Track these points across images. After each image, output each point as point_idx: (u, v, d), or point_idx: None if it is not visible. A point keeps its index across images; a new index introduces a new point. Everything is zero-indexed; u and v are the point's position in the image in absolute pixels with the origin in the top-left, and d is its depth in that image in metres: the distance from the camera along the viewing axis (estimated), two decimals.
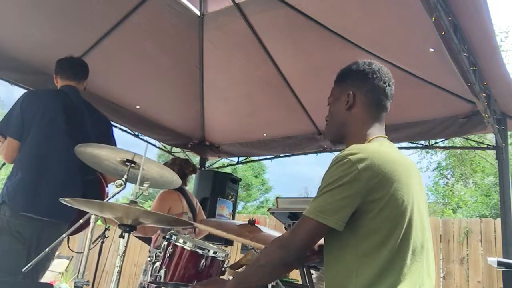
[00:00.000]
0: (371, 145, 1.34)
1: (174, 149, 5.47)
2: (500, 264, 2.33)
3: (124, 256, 1.67)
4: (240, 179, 5.21)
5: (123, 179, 1.82)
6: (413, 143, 4.44)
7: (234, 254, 5.40)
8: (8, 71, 3.44)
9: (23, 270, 1.85)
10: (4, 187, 2.30)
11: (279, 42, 3.63)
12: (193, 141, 5.16)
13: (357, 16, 2.99)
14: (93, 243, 1.98)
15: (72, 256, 6.57)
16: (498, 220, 4.03)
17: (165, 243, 1.91)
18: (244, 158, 5.49)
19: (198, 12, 3.60)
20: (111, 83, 3.96)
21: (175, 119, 4.85)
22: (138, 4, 3.30)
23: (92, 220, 1.91)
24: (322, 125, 4.38)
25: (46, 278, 2.50)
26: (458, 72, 2.64)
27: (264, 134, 4.80)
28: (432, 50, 2.75)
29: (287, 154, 5.04)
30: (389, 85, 1.44)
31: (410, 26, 2.84)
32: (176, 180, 2.01)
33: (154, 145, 5.20)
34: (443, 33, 2.32)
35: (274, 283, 1.71)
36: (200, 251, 1.84)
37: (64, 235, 1.94)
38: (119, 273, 1.63)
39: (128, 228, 1.68)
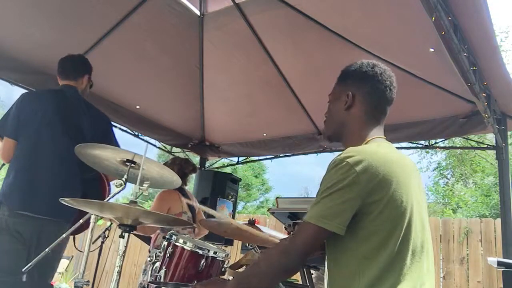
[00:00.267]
0: (368, 147, 1.34)
1: (174, 149, 5.47)
2: (500, 264, 2.33)
3: (124, 256, 1.67)
4: (240, 179, 5.21)
5: (123, 179, 1.82)
6: (413, 143, 4.44)
7: (234, 254, 5.39)
8: (8, 71, 3.44)
9: (23, 270, 1.85)
10: (2, 187, 2.31)
11: (279, 42, 3.63)
12: (193, 141, 5.16)
13: (357, 16, 2.99)
14: (93, 243, 1.98)
15: (72, 256, 6.58)
16: (498, 220, 4.03)
17: (165, 243, 1.91)
18: (244, 158, 5.49)
19: (198, 12, 3.60)
20: (111, 83, 3.96)
21: (175, 119, 4.85)
22: (138, 4, 3.30)
23: (92, 220, 1.91)
24: (322, 125, 4.37)
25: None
26: (458, 72, 2.64)
27: (264, 134, 4.80)
28: (432, 50, 2.75)
29: (287, 154, 5.04)
30: (390, 89, 1.43)
31: (410, 26, 2.84)
32: (176, 180, 2.01)
33: (154, 145, 5.20)
34: (443, 33, 2.32)
35: None
36: (200, 251, 1.84)
37: (64, 235, 1.93)
38: (119, 273, 1.63)
39: (128, 228, 1.68)
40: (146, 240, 3.25)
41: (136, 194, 1.74)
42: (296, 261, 1.22)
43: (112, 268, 1.83)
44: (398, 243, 1.20)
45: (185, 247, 1.84)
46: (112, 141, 2.57)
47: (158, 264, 1.87)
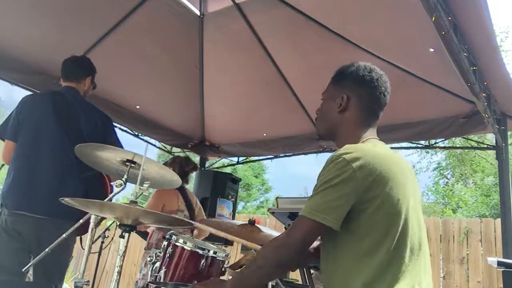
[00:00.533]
0: (365, 145, 1.35)
1: (174, 149, 5.47)
2: (500, 264, 2.33)
3: (124, 256, 1.67)
4: (240, 179, 5.21)
5: (123, 179, 1.82)
6: (413, 143, 4.44)
7: (234, 254, 5.39)
8: (8, 71, 3.44)
9: (23, 270, 1.85)
10: (2, 188, 2.35)
11: (279, 42, 3.63)
12: (193, 141, 5.16)
13: (357, 16, 2.99)
14: (92, 243, 1.98)
15: (72, 256, 6.56)
16: (498, 220, 4.03)
17: (165, 243, 1.91)
18: (244, 158, 5.49)
19: (198, 12, 3.60)
20: (111, 83, 3.96)
21: (175, 119, 4.85)
22: (138, 4, 3.30)
23: (92, 220, 1.91)
24: None
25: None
26: (458, 72, 2.64)
27: (264, 134, 4.80)
28: (432, 50, 2.76)
29: (287, 154, 5.04)
30: (384, 95, 1.43)
31: (410, 26, 2.84)
32: (176, 180, 2.01)
33: (154, 145, 5.20)
34: (443, 33, 2.32)
35: (274, 283, 1.71)
36: (200, 251, 1.84)
37: (64, 235, 1.93)
38: (119, 273, 1.63)
39: (128, 228, 1.68)
40: (145, 235, 3.25)
41: (136, 194, 1.73)
42: (291, 256, 1.22)
43: (112, 268, 1.83)
44: (395, 240, 1.21)
45: (185, 247, 1.84)
46: (114, 142, 2.56)
47: (158, 264, 1.87)
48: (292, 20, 3.26)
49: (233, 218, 4.76)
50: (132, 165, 1.86)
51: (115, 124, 4.14)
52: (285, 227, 3.17)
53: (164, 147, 5.36)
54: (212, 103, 4.56)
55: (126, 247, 1.67)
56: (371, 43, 3.14)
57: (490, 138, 8.46)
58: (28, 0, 3.06)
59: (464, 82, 2.72)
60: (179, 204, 3.13)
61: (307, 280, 2.70)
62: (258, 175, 20.46)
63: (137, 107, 4.36)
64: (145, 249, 3.09)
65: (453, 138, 10.49)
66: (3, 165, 2.57)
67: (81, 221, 1.92)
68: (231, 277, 1.55)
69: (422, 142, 4.40)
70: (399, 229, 1.22)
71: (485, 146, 5.03)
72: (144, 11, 3.34)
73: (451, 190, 14.49)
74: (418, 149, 12.68)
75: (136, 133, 4.67)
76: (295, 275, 3.01)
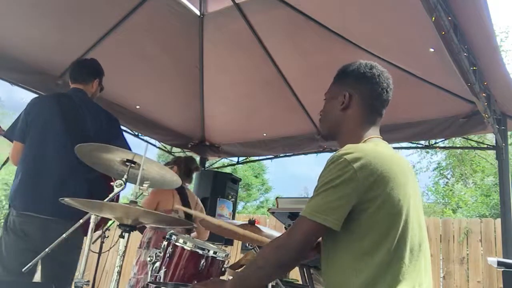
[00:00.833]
0: (366, 145, 1.34)
1: (174, 149, 5.47)
2: (500, 264, 2.33)
3: (124, 256, 1.67)
4: (240, 179, 5.21)
5: (123, 179, 1.82)
6: (413, 143, 4.44)
7: (234, 254, 5.39)
8: (8, 71, 3.44)
9: (23, 270, 1.85)
10: (10, 189, 2.40)
11: (279, 42, 3.63)
12: (193, 141, 5.16)
13: (357, 16, 2.99)
14: (92, 243, 1.98)
15: None
16: (498, 220, 4.03)
17: (165, 243, 1.90)
18: (244, 158, 5.49)
19: (198, 12, 3.60)
20: (111, 83, 3.91)
21: (175, 119, 4.85)
22: (138, 4, 3.30)
23: (92, 220, 1.91)
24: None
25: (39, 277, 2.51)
26: (458, 72, 2.64)
27: (264, 134, 4.80)
28: (432, 50, 2.76)
29: (287, 154, 5.04)
30: (386, 92, 1.42)
31: (410, 26, 2.84)
32: (176, 180, 2.01)
33: (154, 145, 5.20)
34: (443, 33, 2.32)
35: (274, 283, 1.71)
36: (200, 251, 1.84)
37: (64, 235, 1.93)
38: (119, 273, 1.63)
39: (128, 228, 1.68)
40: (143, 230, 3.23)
41: (136, 194, 1.74)
42: (291, 256, 1.22)
43: (112, 268, 1.83)
44: (396, 241, 1.20)
45: (185, 247, 1.84)
46: (121, 144, 2.56)
47: (158, 264, 1.87)
48: (292, 20, 3.26)
49: (233, 218, 4.76)
50: (132, 165, 1.86)
51: None
52: (285, 227, 3.17)
53: (164, 147, 5.36)
54: (212, 103, 4.56)
55: (126, 247, 1.67)
56: (371, 43, 3.13)
57: (490, 138, 8.46)
58: (28, 0, 3.06)
59: (464, 82, 2.72)
60: (174, 203, 3.11)
61: (307, 280, 2.70)
62: (258, 175, 20.47)
63: (137, 107, 4.36)
64: (138, 248, 3.08)
65: (453, 138, 10.49)
66: (3, 165, 2.59)
67: (81, 221, 1.91)
68: (231, 277, 1.55)
69: (422, 142, 4.40)
70: (400, 229, 1.21)
71: (485, 146, 5.04)
72: (144, 11, 3.34)
73: (451, 190, 14.49)
74: (418, 149, 12.68)
75: (136, 133, 4.67)
76: (295, 275, 3.02)
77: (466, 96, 3.22)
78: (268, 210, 3.57)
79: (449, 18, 2.30)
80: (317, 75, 3.70)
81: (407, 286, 1.18)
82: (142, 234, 3.18)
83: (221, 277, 1.86)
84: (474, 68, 2.69)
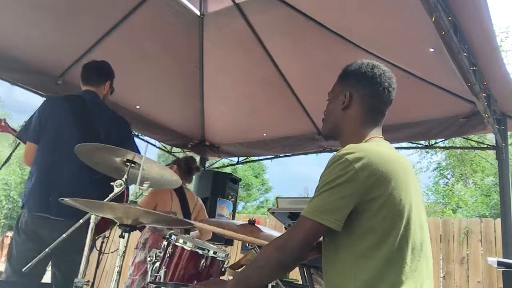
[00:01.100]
0: (367, 145, 1.34)
1: (174, 149, 5.47)
2: (500, 264, 2.33)
3: (124, 256, 1.67)
4: (240, 179, 5.21)
5: (123, 179, 1.82)
6: (413, 143, 4.44)
7: (234, 254, 5.39)
8: (8, 71, 3.44)
9: (23, 270, 1.85)
10: (24, 190, 2.42)
11: (279, 42, 3.63)
12: (193, 141, 5.17)
13: (357, 16, 2.99)
14: (102, 243, 1.98)
15: None
16: (498, 220, 4.03)
17: (165, 243, 1.90)
18: (244, 158, 5.49)
19: (198, 12, 3.60)
20: None
21: (175, 119, 4.85)
22: (138, 4, 3.30)
23: (92, 220, 1.91)
24: (321, 124, 4.38)
25: (47, 278, 2.51)
26: (458, 72, 2.64)
27: (264, 134, 4.80)
28: (432, 50, 2.75)
29: (287, 154, 5.04)
30: (388, 91, 1.42)
31: (410, 26, 2.83)
32: (176, 180, 2.01)
33: (154, 145, 5.20)
34: (443, 33, 2.32)
35: (274, 283, 1.71)
36: (200, 251, 1.84)
37: (64, 234, 1.93)
38: (119, 273, 1.64)
39: (128, 228, 1.68)
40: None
41: (136, 194, 1.74)
42: (292, 256, 1.22)
43: (112, 268, 1.83)
44: (397, 241, 1.20)
45: (185, 247, 1.84)
46: (132, 148, 2.57)
47: (158, 264, 1.87)
48: (292, 20, 3.25)
49: (233, 218, 4.76)
50: (132, 165, 1.87)
51: None
52: (285, 227, 3.17)
53: (164, 147, 5.36)
54: (212, 103, 4.56)
55: (126, 247, 1.67)
56: (371, 43, 3.13)
57: (490, 138, 8.46)
58: (28, 0, 3.06)
59: (464, 82, 2.72)
60: (173, 205, 3.10)
61: (307, 280, 2.70)
62: (258, 175, 20.49)
63: (137, 107, 4.36)
64: (134, 248, 3.08)
65: (453, 138, 10.49)
66: (3, 165, 2.60)
67: (81, 221, 1.92)
68: (231, 277, 1.55)
69: (422, 142, 4.40)
70: (401, 229, 1.21)
71: (485, 146, 5.03)
72: (144, 11, 3.34)
73: (451, 190, 14.51)
74: (418, 149, 12.70)
75: (136, 133, 4.67)
76: (295, 275, 3.02)
77: (466, 96, 3.22)
78: (268, 210, 3.56)
79: (449, 18, 2.30)
80: (317, 75, 3.71)
81: (409, 286, 1.18)
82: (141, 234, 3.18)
83: (221, 277, 1.86)
84: (474, 68, 2.69)
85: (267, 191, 20.89)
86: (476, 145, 4.67)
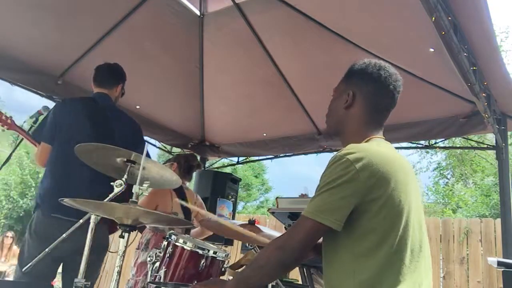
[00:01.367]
0: (368, 145, 1.34)
1: (174, 149, 5.47)
2: (500, 264, 2.33)
3: (124, 256, 1.67)
4: (240, 179, 5.21)
5: (123, 179, 1.82)
6: (413, 143, 4.44)
7: (234, 254, 5.39)
8: (8, 71, 3.44)
9: (23, 270, 1.85)
10: (38, 191, 2.42)
11: (279, 42, 3.63)
12: (193, 141, 5.17)
13: (357, 16, 2.99)
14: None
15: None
16: (498, 220, 4.03)
17: (165, 243, 1.91)
18: (244, 158, 5.49)
19: (198, 12, 3.60)
20: None
21: (175, 119, 4.85)
22: (138, 4, 3.30)
23: (92, 220, 1.91)
24: (322, 125, 4.38)
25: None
26: (458, 72, 2.64)
27: (264, 134, 4.81)
28: (432, 50, 2.76)
29: (287, 154, 5.04)
30: (393, 94, 1.41)
31: (410, 26, 2.84)
32: (176, 180, 2.01)
33: (154, 145, 5.20)
34: (443, 33, 2.32)
35: (274, 283, 1.71)
36: (200, 251, 1.84)
37: (64, 234, 1.94)
38: (119, 273, 1.64)
39: (128, 228, 1.68)
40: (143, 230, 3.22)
41: (136, 194, 1.74)
42: (293, 256, 1.22)
43: (112, 268, 1.83)
44: (396, 242, 1.20)
45: (185, 247, 1.84)
46: (142, 151, 2.57)
47: (158, 264, 1.87)
48: (292, 20, 3.26)
49: (233, 218, 4.76)
50: (132, 165, 1.87)
51: None
52: (285, 227, 3.17)
53: (164, 147, 5.36)
54: (212, 103, 4.57)
55: (126, 247, 1.67)
56: (371, 43, 3.13)
57: (490, 138, 8.46)
58: (28, 0, 3.06)
59: (464, 82, 2.72)
60: (173, 205, 3.10)
61: (307, 280, 2.71)
62: (258, 175, 20.49)
63: (137, 107, 4.36)
64: (136, 249, 3.07)
65: (453, 138, 10.49)
66: (3, 165, 2.60)
67: (81, 221, 1.92)
68: (231, 277, 1.55)
69: (422, 142, 4.40)
70: (400, 230, 1.21)
71: (485, 146, 5.03)
72: (144, 11, 3.34)
73: (451, 190, 14.50)
74: (418, 149, 12.70)
75: None
76: (295, 275, 3.02)
77: (466, 96, 3.22)
78: (268, 210, 3.57)
79: (449, 18, 2.30)
80: (317, 75, 3.71)
81: (407, 287, 1.18)
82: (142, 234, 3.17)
83: (221, 277, 1.86)
84: (474, 68, 2.69)
85: (267, 191, 20.90)
86: (476, 145, 4.67)
